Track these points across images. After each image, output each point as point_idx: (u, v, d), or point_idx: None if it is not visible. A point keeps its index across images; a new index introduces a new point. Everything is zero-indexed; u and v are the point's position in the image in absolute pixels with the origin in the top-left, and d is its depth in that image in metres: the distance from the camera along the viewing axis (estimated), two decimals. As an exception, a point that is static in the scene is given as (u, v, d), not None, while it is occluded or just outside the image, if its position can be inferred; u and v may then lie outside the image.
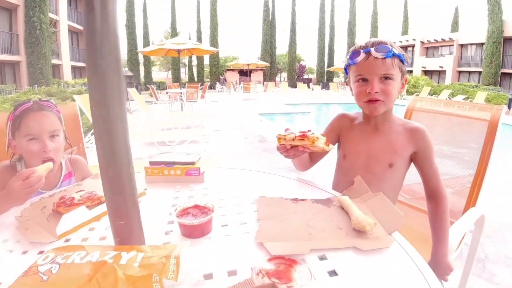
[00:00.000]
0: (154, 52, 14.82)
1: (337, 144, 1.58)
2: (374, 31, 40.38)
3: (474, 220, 1.59)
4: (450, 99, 16.88)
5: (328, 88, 30.32)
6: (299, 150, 1.22)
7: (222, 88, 31.23)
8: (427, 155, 1.41)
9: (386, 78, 1.31)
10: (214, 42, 37.68)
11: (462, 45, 30.95)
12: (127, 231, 0.82)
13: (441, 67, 31.43)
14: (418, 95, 18.95)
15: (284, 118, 13.24)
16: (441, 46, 33.33)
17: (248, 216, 1.15)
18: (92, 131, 5.93)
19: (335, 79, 41.89)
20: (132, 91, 11.51)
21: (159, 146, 6.03)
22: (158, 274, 0.68)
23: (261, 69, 39.96)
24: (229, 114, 12.86)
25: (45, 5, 21.22)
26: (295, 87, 30.59)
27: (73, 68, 26.42)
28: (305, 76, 48.70)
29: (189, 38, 32.60)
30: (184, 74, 43.17)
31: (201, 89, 15.40)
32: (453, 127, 1.99)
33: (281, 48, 43.91)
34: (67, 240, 1.03)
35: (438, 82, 29.47)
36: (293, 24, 40.92)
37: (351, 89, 1.46)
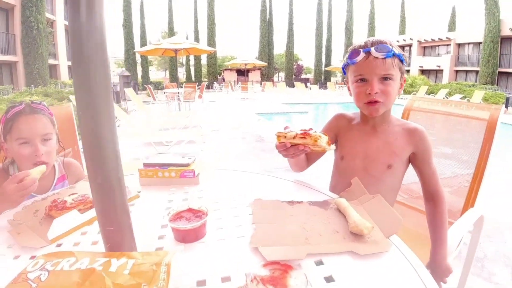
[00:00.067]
0: (151, 52, 14.76)
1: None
2: (371, 30, 40.40)
3: (473, 221, 1.57)
4: (447, 98, 16.92)
5: (325, 87, 30.32)
6: (299, 149, 1.15)
7: (220, 87, 31.18)
8: (426, 156, 1.39)
9: (386, 78, 1.29)
10: (211, 41, 37.61)
11: (459, 45, 30.97)
12: (117, 237, 0.80)
13: (438, 66, 31.45)
14: (415, 94, 18.98)
15: (282, 117, 13.21)
16: (438, 45, 33.37)
17: (244, 219, 1.13)
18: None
19: (332, 79, 41.77)
20: (129, 91, 11.47)
21: (156, 146, 6.01)
22: (147, 283, 0.66)
23: (259, 69, 39.91)
24: (227, 114, 12.84)
25: (42, 5, 21.17)
26: (293, 86, 30.62)
27: (70, 68, 26.04)
28: (303, 76, 48.65)
29: (187, 38, 32.46)
30: (181, 74, 43.02)
31: (199, 88, 15.37)
32: (451, 127, 1.98)
33: (279, 47, 43.94)
34: (59, 245, 1.01)
35: (436, 82, 29.47)
36: (290, 23, 40.84)
37: (349, 89, 1.43)
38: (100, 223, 0.79)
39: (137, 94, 17.44)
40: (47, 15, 22.58)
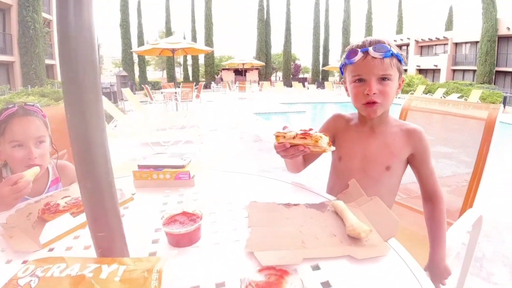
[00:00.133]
0: (148, 52, 14.73)
1: None
2: (368, 30, 40.46)
3: (472, 222, 1.56)
4: (444, 97, 16.95)
5: (323, 87, 30.31)
6: (299, 150, 1.10)
7: (217, 87, 31.15)
8: (424, 157, 1.37)
9: (384, 78, 1.26)
10: (209, 41, 37.56)
11: (456, 44, 31.01)
12: (108, 242, 0.78)
13: (436, 65, 31.50)
14: (413, 93, 19.01)
15: (280, 117, 13.20)
16: (436, 45, 33.41)
17: (239, 223, 1.11)
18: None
19: (330, 78, 41.93)
20: (126, 91, 11.44)
21: (153, 146, 5.98)
22: (138, 291, 0.64)
23: (257, 69, 39.92)
24: (225, 113, 12.81)
25: (39, 5, 21.09)
26: (291, 86, 30.56)
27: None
28: (300, 75, 48.66)
29: (184, 38, 32.41)
30: (179, 74, 43.01)
31: (196, 88, 15.34)
32: (449, 127, 1.96)
33: (276, 47, 43.89)
34: (51, 249, 0.99)
35: (433, 81, 29.54)
36: (288, 23, 40.85)
37: (346, 90, 1.41)
38: (90, 228, 0.77)
39: (135, 94, 17.38)
40: (44, 14, 22.50)
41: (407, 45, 35.33)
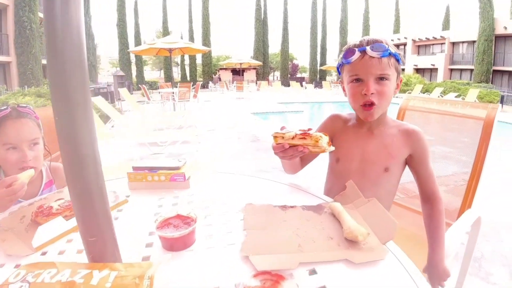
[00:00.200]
0: (145, 52, 14.69)
1: None
2: (366, 29, 40.51)
3: (470, 223, 1.55)
4: (442, 96, 16.98)
5: (321, 86, 30.32)
6: (298, 150, 1.08)
7: (215, 87, 31.13)
8: (423, 158, 1.35)
9: (382, 78, 1.24)
10: (206, 41, 37.54)
11: (453, 43, 31.07)
12: (100, 248, 0.76)
13: (433, 65, 31.56)
14: (410, 93, 19.04)
15: (278, 117, 13.19)
16: (433, 44, 33.46)
17: (235, 226, 1.09)
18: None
19: (327, 78, 41.93)
20: (123, 91, 11.41)
21: (150, 146, 5.96)
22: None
23: (254, 68, 39.91)
24: (222, 113, 12.79)
25: (35, 5, 21.01)
26: (288, 86, 30.59)
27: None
28: (298, 75, 48.59)
29: (181, 38, 32.43)
30: (176, 74, 42.94)
31: (194, 88, 15.31)
32: (447, 126, 1.95)
33: (274, 47, 43.91)
34: (44, 253, 0.97)
35: (430, 80, 29.59)
36: (285, 23, 40.86)
37: (343, 90, 1.39)
38: (81, 233, 0.75)
39: (132, 94, 17.38)
40: (41, 14, 22.36)
41: (404, 44, 35.38)
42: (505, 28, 25.34)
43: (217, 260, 0.89)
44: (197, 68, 39.78)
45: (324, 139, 1.06)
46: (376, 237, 0.96)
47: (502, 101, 14.38)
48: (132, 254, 0.93)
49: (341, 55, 1.33)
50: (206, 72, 38.56)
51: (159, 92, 15.21)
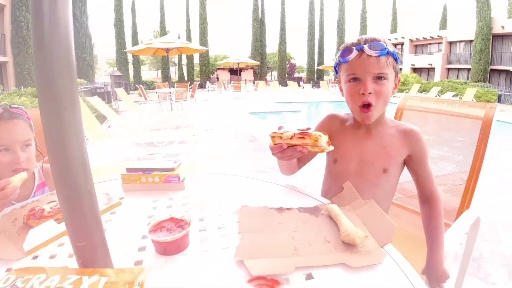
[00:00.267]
0: (142, 52, 14.63)
1: None
2: (363, 29, 40.63)
3: (469, 224, 1.53)
4: (439, 96, 17.01)
5: (318, 86, 30.40)
6: (297, 150, 1.06)
7: (212, 87, 31.11)
8: (422, 158, 1.33)
9: (380, 77, 1.22)
10: (203, 41, 37.53)
11: (450, 43, 31.15)
12: (89, 253, 0.74)
13: (430, 64, 31.64)
14: (407, 92, 19.08)
15: (275, 116, 13.18)
16: (430, 43, 33.54)
17: (230, 228, 1.06)
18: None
19: (325, 77, 42.06)
20: (120, 91, 11.39)
21: (147, 147, 5.93)
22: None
23: (252, 68, 39.91)
24: (220, 113, 12.77)
25: (32, 5, 20.92)
26: (286, 85, 30.64)
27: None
28: (296, 75, 48.72)
29: (179, 37, 32.37)
30: (174, 74, 42.93)
31: (191, 88, 15.28)
32: (446, 126, 1.93)
33: (271, 46, 44.00)
34: (35, 257, 0.95)
35: (427, 80, 29.68)
36: (282, 22, 40.92)
37: (341, 90, 1.36)
38: (70, 238, 0.72)
39: (129, 94, 17.33)
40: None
41: (402, 44, 35.45)
42: (503, 27, 25.41)
43: (211, 265, 0.87)
44: (195, 68, 39.81)
45: (324, 138, 1.04)
46: (374, 240, 0.94)
47: (499, 100, 14.42)
48: (124, 259, 0.90)
49: (338, 54, 1.30)
50: (203, 72, 38.58)
51: (156, 92, 15.18)
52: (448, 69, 31.00)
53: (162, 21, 37.51)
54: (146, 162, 1.51)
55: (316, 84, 32.70)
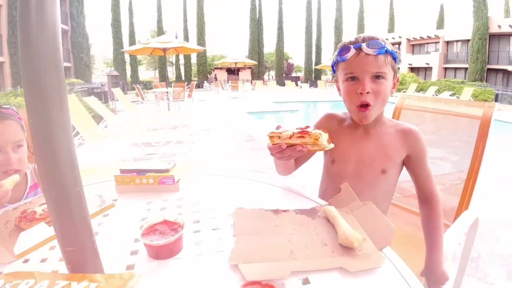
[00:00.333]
0: (139, 51, 14.61)
1: None
2: (360, 29, 40.67)
3: (468, 225, 1.51)
4: (436, 95, 17.04)
5: (316, 86, 30.38)
6: (297, 150, 1.02)
7: (210, 86, 31.09)
8: (421, 158, 1.31)
9: (378, 77, 1.19)
10: (201, 40, 37.54)
11: (447, 42, 31.27)
12: (79, 258, 0.71)
13: (427, 64, 31.74)
14: (405, 92, 19.10)
15: (273, 116, 13.18)
16: (427, 43, 33.66)
17: (224, 231, 1.04)
18: (73, 133, 5.77)
19: (322, 77, 42.14)
20: (116, 91, 11.35)
21: (144, 147, 5.90)
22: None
23: (249, 68, 39.92)
24: (217, 113, 12.74)
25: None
26: (283, 85, 30.57)
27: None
28: (293, 74, 48.74)
29: (176, 37, 32.48)
30: (171, 73, 42.91)
31: (188, 88, 15.25)
32: (444, 125, 1.92)
33: (269, 46, 44.01)
34: (26, 261, 0.93)
35: (425, 79, 29.76)
36: (280, 22, 40.98)
37: (338, 89, 1.33)
38: (59, 242, 0.70)
39: (126, 94, 17.31)
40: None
41: (399, 43, 35.55)
42: (499, 26, 25.52)
43: (205, 269, 0.85)
44: (192, 68, 39.80)
45: (324, 136, 1.01)
46: (372, 242, 0.92)
47: (496, 99, 14.47)
48: (116, 263, 0.88)
49: (335, 53, 1.27)
50: (201, 72, 38.57)
51: (153, 92, 15.14)
52: (445, 69, 31.10)
53: (160, 21, 37.46)
54: (141, 163, 1.49)
55: (313, 84, 32.70)
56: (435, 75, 30.55)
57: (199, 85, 33.08)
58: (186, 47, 13.50)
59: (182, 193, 1.38)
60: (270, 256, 0.86)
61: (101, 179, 1.54)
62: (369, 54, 1.17)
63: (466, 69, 28.07)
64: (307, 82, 34.87)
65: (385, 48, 1.17)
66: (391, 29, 41.01)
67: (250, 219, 1.07)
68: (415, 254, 1.44)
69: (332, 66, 1.34)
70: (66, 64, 26.81)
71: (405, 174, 1.39)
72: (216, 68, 40.71)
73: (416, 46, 35.21)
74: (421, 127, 1.38)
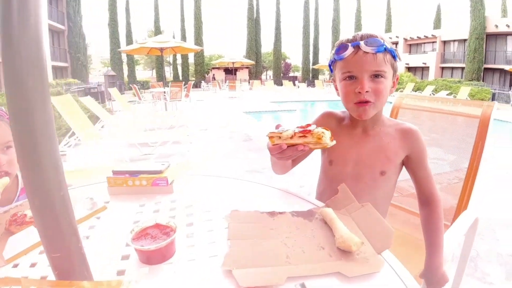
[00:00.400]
0: (136, 51, 14.52)
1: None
2: (358, 28, 40.70)
3: (468, 225, 1.49)
4: (433, 95, 17.06)
5: (313, 85, 30.46)
6: (298, 150, 0.96)
7: (207, 86, 31.05)
8: (421, 159, 1.28)
9: (377, 75, 1.16)
10: (198, 40, 37.50)
11: (444, 42, 31.33)
12: (65, 264, 0.68)
13: (424, 63, 31.81)
14: (402, 91, 19.12)
15: (270, 116, 13.17)
16: (424, 43, 33.73)
17: (218, 235, 1.01)
18: (69, 134, 5.75)
19: (320, 77, 42.14)
20: (113, 91, 11.30)
21: (141, 147, 5.87)
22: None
23: (247, 67, 39.94)
24: (215, 113, 12.71)
25: (24, 4, 20.77)
26: (281, 85, 30.61)
27: (54, 68, 25.79)
28: (291, 74, 48.81)
29: (173, 37, 32.35)
30: (169, 73, 42.82)
31: (185, 88, 15.20)
32: (443, 125, 1.89)
33: (266, 46, 44.05)
34: (15, 265, 0.90)
35: (422, 78, 29.86)
36: (277, 22, 41.03)
37: (336, 89, 1.30)
38: (45, 248, 0.67)
39: (123, 93, 17.24)
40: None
41: (396, 43, 35.56)
42: (496, 26, 25.58)
43: (198, 275, 0.82)
44: (190, 68, 39.76)
45: (327, 135, 0.95)
46: (371, 246, 0.89)
47: (493, 98, 14.49)
48: (109, 264, 0.86)
49: (333, 51, 1.24)
50: (198, 72, 38.53)
51: (150, 92, 15.09)
52: (442, 68, 31.17)
53: (157, 21, 37.38)
54: (135, 164, 1.45)
55: (311, 83, 32.78)
56: (432, 74, 30.61)
57: (197, 85, 33.04)
58: (183, 46, 13.44)
59: (176, 195, 1.35)
60: (265, 261, 0.83)
61: (97, 180, 1.50)
62: (368, 52, 1.14)
63: (463, 68, 28.13)
64: (304, 82, 34.99)
65: (384, 46, 1.14)
66: (388, 29, 41.08)
67: (245, 222, 1.04)
68: (414, 255, 1.42)
69: (330, 65, 1.31)
70: (63, 64, 26.73)
71: (403, 173, 1.37)
72: (213, 68, 40.71)
73: (413, 45, 35.28)
74: (419, 126, 1.36)
